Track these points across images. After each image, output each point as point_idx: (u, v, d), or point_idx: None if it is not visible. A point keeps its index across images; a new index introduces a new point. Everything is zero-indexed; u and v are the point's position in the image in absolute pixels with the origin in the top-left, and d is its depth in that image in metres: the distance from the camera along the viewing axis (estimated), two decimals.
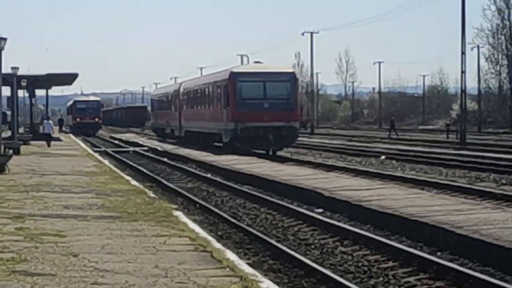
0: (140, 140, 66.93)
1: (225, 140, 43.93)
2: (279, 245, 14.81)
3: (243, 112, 41.58)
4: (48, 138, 52.86)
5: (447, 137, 65.58)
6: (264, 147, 42.78)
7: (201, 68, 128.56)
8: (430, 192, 22.53)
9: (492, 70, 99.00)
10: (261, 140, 41.60)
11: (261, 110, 41.60)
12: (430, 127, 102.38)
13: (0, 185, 22.75)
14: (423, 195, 21.00)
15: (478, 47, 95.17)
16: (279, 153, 43.43)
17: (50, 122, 59.13)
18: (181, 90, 58.90)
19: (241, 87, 42.69)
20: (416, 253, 13.39)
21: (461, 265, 12.50)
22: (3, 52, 34.90)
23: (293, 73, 45.39)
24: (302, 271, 12.65)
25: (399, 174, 29.63)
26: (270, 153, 42.67)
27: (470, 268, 12.26)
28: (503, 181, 26.72)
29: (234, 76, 43.05)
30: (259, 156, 40.44)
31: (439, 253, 13.71)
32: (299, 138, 67.04)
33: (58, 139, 62.32)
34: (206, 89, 50.17)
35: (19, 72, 48.07)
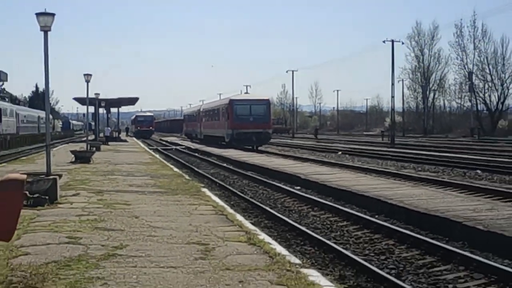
0: (179, 141, 67.02)
1: (226, 141, 46.55)
2: (271, 210, 14.82)
3: (237, 123, 44.79)
4: (107, 139, 54.48)
5: (382, 140, 65.60)
6: (250, 144, 44.72)
7: (220, 94, 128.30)
8: (371, 175, 22.56)
9: (412, 96, 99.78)
10: (248, 140, 44.49)
11: (248, 122, 44.55)
12: (371, 133, 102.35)
13: (87, 171, 22.81)
14: (367, 178, 21.05)
15: (402, 80, 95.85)
16: (270, 150, 43.91)
17: (109, 128, 61.33)
18: (201, 109, 61.53)
19: (236, 108, 45.52)
20: (362, 216, 13.43)
21: (391, 224, 12.53)
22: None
23: (268, 100, 48.20)
24: (286, 228, 12.67)
25: (350, 163, 29.62)
26: (254, 147, 44.58)
27: (397, 226, 12.29)
28: (419, 168, 26.74)
29: (232, 102, 46.32)
30: (258, 152, 40.80)
31: (377, 216, 13.73)
32: (284, 140, 67.32)
33: (125, 141, 62.63)
34: (216, 109, 52.80)
35: (100, 97, 48.71)
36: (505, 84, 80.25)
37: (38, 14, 14.68)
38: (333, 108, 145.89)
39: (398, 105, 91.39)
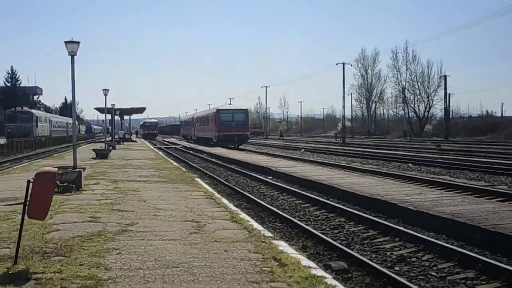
0: (178, 142, 66.62)
1: (214, 141, 46.22)
2: (250, 195, 14.82)
3: (223, 127, 44.67)
4: (121, 139, 54.44)
5: (335, 140, 65.92)
6: (232, 144, 44.52)
7: (209, 104, 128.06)
8: (327, 168, 22.64)
9: (358, 106, 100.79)
10: (231, 141, 44.35)
11: (231, 126, 44.58)
12: (327, 134, 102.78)
13: (105, 165, 22.61)
14: (324, 169, 21.12)
15: (351, 94, 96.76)
16: (249, 148, 43.85)
17: (122, 131, 61.43)
18: (195, 116, 61.51)
19: (222, 116, 45.34)
20: (320, 199, 13.47)
21: (343, 205, 12.58)
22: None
23: (246, 109, 47.98)
24: (261, 208, 12.68)
25: (311, 158, 29.69)
26: (236, 146, 44.50)
27: (347, 207, 12.34)
28: (364, 162, 26.88)
29: (218, 111, 46.06)
30: (239, 149, 40.69)
31: (331, 199, 13.79)
32: (259, 140, 67.22)
33: (135, 141, 62.11)
34: (206, 117, 52.67)
35: (115, 107, 48.34)
36: (430, 97, 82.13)
37: (66, 42, 14.54)
38: (298, 115, 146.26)
39: (348, 113, 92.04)
